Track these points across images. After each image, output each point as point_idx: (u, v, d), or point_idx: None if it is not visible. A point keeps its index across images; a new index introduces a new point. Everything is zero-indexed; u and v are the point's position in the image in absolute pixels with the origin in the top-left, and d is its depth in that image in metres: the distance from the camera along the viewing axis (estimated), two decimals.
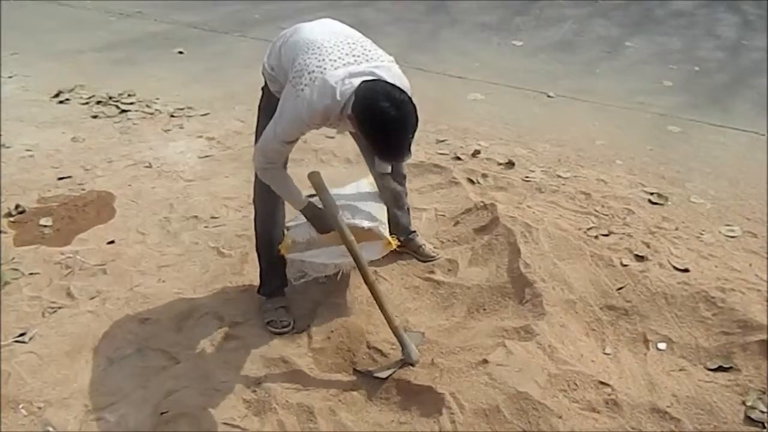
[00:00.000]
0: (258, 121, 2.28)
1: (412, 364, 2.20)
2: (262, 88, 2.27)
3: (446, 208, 3.15)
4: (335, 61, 1.90)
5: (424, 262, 2.76)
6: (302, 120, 1.92)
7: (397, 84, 1.86)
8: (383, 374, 2.17)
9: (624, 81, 4.97)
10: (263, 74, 2.22)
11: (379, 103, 1.77)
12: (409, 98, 1.83)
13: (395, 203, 2.63)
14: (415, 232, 2.80)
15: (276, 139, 1.98)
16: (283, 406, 2.07)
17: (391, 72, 1.93)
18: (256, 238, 2.45)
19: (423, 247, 2.78)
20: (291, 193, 2.16)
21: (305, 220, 2.28)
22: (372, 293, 2.21)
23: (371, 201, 2.46)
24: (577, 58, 5.50)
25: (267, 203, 2.36)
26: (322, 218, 2.19)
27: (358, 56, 1.93)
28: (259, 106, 2.29)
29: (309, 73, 1.89)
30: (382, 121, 1.77)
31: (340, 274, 2.51)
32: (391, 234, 2.43)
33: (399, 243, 2.51)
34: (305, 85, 1.88)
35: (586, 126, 4.22)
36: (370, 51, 1.97)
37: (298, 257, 2.41)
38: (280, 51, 2.10)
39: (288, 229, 2.44)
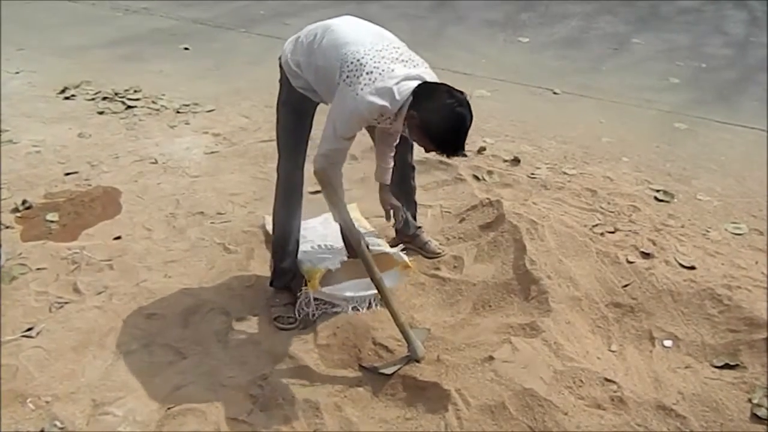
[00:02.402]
0: (278, 115, 2.31)
1: (418, 361, 2.20)
2: (280, 82, 2.29)
3: (452, 205, 3.15)
4: (389, 63, 2.00)
5: (430, 258, 2.76)
6: (363, 117, 2.01)
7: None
8: (389, 370, 2.17)
9: (630, 78, 4.95)
10: (283, 69, 2.24)
11: (445, 100, 1.93)
12: (467, 98, 1.97)
13: (407, 198, 2.68)
14: (420, 228, 2.81)
15: (336, 137, 2.05)
16: (290, 402, 2.07)
17: (433, 76, 2.07)
18: (274, 239, 2.48)
19: (429, 243, 2.79)
20: (338, 201, 2.20)
21: (328, 255, 2.41)
22: (378, 289, 2.21)
23: (364, 230, 2.56)
24: (584, 54, 5.48)
25: (286, 206, 2.41)
26: (354, 235, 2.22)
27: (407, 61, 2.04)
28: (279, 101, 2.31)
29: (367, 73, 1.98)
30: (449, 117, 1.92)
31: (367, 306, 2.48)
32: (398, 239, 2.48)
33: (410, 266, 2.56)
34: (365, 84, 1.97)
35: (592, 123, 4.20)
36: (412, 56, 2.09)
37: (329, 291, 2.41)
38: (310, 48, 2.13)
39: (308, 260, 2.49)
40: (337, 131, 2.04)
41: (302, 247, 2.57)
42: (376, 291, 2.27)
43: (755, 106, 4.40)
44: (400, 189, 2.58)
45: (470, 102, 1.98)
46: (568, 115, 4.32)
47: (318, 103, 2.27)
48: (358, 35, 2.08)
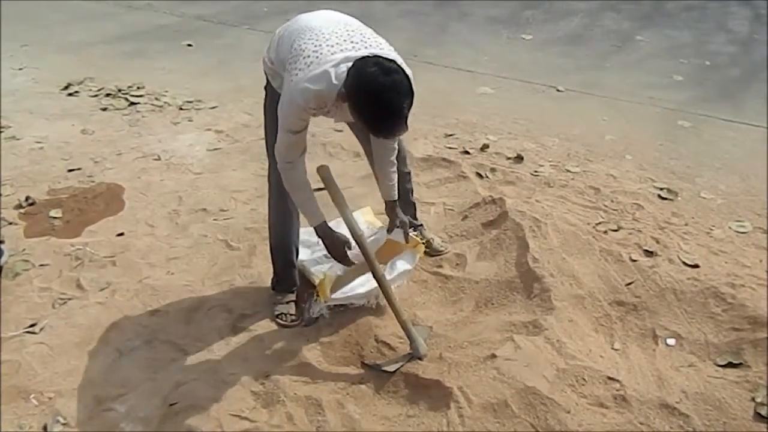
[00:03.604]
0: (264, 120, 2.26)
1: (420, 358, 2.20)
2: (265, 87, 2.22)
3: (454, 203, 3.15)
4: (332, 46, 1.85)
5: (433, 256, 2.75)
6: (298, 105, 1.84)
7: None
8: (391, 368, 2.17)
9: (634, 75, 4.93)
10: (264, 71, 2.18)
11: (367, 69, 1.71)
12: (401, 68, 1.76)
13: (404, 201, 2.54)
14: (422, 225, 2.78)
15: (282, 130, 1.93)
16: (292, 399, 2.07)
17: (391, 57, 1.85)
18: (270, 245, 2.45)
19: (432, 241, 2.77)
20: (307, 205, 2.08)
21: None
22: (380, 287, 2.21)
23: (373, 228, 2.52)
24: (587, 52, 5.46)
25: (281, 212, 2.35)
26: (336, 241, 2.12)
27: (357, 43, 1.87)
28: (264, 106, 2.26)
29: (304, 57, 1.84)
30: (371, 89, 1.69)
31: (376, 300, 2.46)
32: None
33: (420, 243, 2.46)
34: (299, 69, 1.83)
35: (596, 120, 4.19)
36: (369, 38, 1.92)
37: (342, 296, 2.36)
38: (279, 42, 2.06)
39: (316, 268, 2.46)
40: (282, 123, 1.91)
41: (309, 252, 2.56)
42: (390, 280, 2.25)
43: (759, 103, 4.38)
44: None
45: (406, 72, 1.76)
46: (572, 112, 4.31)
47: None
48: (314, 23, 1.96)
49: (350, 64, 1.78)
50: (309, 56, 1.84)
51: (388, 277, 2.30)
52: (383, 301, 2.35)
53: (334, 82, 1.79)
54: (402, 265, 2.38)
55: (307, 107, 1.86)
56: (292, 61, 1.88)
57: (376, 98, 1.70)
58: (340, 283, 2.34)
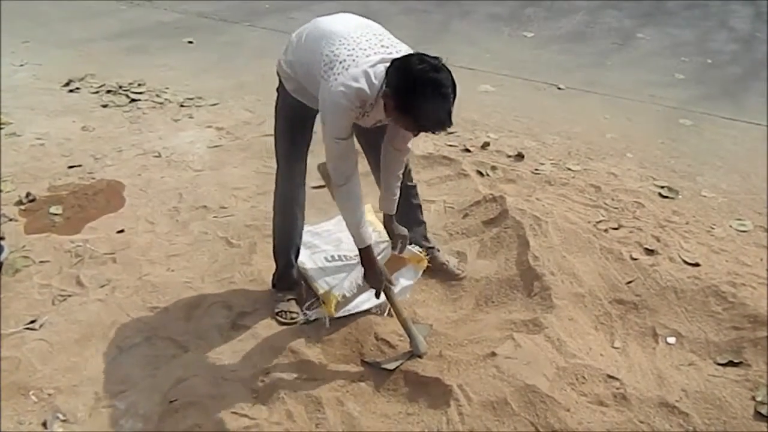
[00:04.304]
0: (275, 122, 2.25)
1: (420, 356, 2.20)
2: (278, 89, 2.21)
3: (455, 201, 3.14)
4: (365, 50, 1.88)
5: (449, 279, 2.60)
6: (344, 106, 1.84)
7: None
8: (391, 365, 2.17)
9: (635, 73, 4.92)
10: (278, 73, 2.16)
11: (416, 66, 1.73)
12: (444, 64, 1.79)
13: (414, 218, 2.53)
14: (434, 248, 2.62)
15: (330, 140, 1.90)
16: (291, 396, 2.07)
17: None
18: (274, 245, 2.45)
19: (447, 264, 2.62)
20: (358, 227, 2.04)
21: (344, 273, 2.33)
22: (392, 308, 2.22)
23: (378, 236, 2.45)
24: (589, 49, 5.45)
25: (286, 216, 2.36)
26: (378, 272, 2.11)
27: (388, 47, 1.92)
28: (275, 108, 2.23)
29: (340, 62, 1.86)
30: (423, 84, 1.72)
31: (387, 311, 2.43)
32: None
33: (424, 260, 2.45)
34: (338, 73, 1.84)
35: (597, 118, 4.18)
36: (396, 44, 1.96)
37: (345, 314, 2.36)
38: (297, 46, 2.05)
39: (323, 280, 2.43)
40: (328, 132, 1.90)
41: (315, 258, 2.54)
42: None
43: (761, 102, 4.37)
44: (402, 210, 2.39)
45: (448, 67, 1.78)
46: (573, 110, 4.30)
47: (316, 112, 2.10)
48: (339, 27, 1.97)
49: (387, 65, 1.81)
50: (344, 60, 1.86)
51: (382, 299, 2.29)
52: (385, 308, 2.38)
53: (374, 81, 1.82)
54: (404, 281, 2.36)
55: (353, 106, 1.85)
56: (327, 68, 1.88)
57: (430, 93, 1.72)
58: (344, 302, 2.34)
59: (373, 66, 1.84)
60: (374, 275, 2.12)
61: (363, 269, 2.14)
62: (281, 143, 2.26)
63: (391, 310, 2.26)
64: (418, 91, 1.73)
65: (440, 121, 1.76)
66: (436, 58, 1.78)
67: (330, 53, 1.89)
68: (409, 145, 2.20)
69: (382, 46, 1.92)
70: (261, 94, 4.41)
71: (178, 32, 5.82)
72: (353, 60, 1.86)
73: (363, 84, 1.82)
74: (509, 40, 5.67)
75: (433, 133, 1.89)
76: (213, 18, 6.25)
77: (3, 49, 5.14)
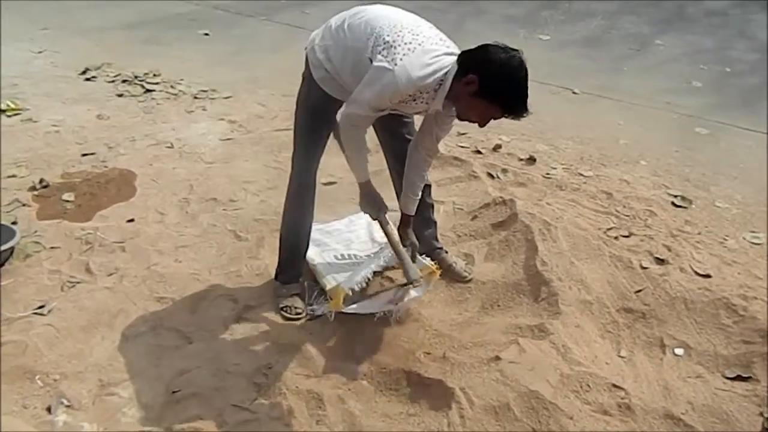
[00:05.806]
0: (296, 112, 2.23)
1: (412, 283, 2.17)
2: (303, 75, 2.18)
3: (464, 202, 3.13)
4: (429, 38, 1.91)
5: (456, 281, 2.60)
6: (398, 90, 1.86)
7: None
8: (370, 309, 2.18)
9: (652, 80, 4.88)
10: (307, 58, 2.12)
11: (499, 55, 1.82)
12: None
13: (426, 219, 2.53)
14: (442, 248, 2.63)
15: (364, 103, 1.92)
16: (293, 392, 2.07)
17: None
18: (281, 236, 2.45)
19: (454, 265, 2.60)
20: (359, 163, 2.11)
21: (352, 271, 2.33)
22: (381, 226, 2.22)
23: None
24: (605, 54, 5.41)
25: (298, 208, 2.37)
26: (375, 201, 2.17)
27: (444, 41, 1.96)
28: (299, 98, 2.22)
29: (406, 44, 1.86)
30: (510, 72, 1.82)
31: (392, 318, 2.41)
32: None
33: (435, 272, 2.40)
34: (403, 54, 1.85)
35: (611, 124, 4.15)
36: (447, 40, 1.99)
37: (352, 310, 2.31)
38: (338, 30, 2.03)
39: (332, 276, 2.44)
40: (367, 99, 1.91)
41: (324, 255, 2.54)
42: (398, 306, 2.25)
43: None
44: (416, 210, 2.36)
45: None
46: (587, 115, 4.27)
47: (340, 104, 2.10)
48: (394, 14, 2.00)
49: (450, 58, 1.88)
50: (410, 43, 1.87)
51: (390, 305, 2.29)
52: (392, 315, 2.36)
53: (438, 72, 1.86)
54: (414, 292, 2.31)
55: (405, 93, 1.88)
56: (387, 47, 1.87)
57: (516, 80, 1.84)
58: (352, 298, 2.32)
59: (437, 56, 1.87)
60: (371, 203, 2.17)
61: (360, 198, 2.18)
62: (301, 132, 2.26)
63: (386, 237, 2.22)
64: (506, 78, 1.82)
65: (524, 107, 1.88)
66: (514, 49, 1.86)
67: (389, 38, 1.88)
68: (440, 145, 2.23)
69: (440, 38, 1.95)
70: (274, 89, 4.42)
71: (193, 24, 5.84)
72: (419, 44, 1.87)
73: (427, 72, 1.85)
74: (525, 42, 5.63)
75: (514, 118, 1.94)
76: (228, 11, 6.26)
77: (22, 35, 5.19)
